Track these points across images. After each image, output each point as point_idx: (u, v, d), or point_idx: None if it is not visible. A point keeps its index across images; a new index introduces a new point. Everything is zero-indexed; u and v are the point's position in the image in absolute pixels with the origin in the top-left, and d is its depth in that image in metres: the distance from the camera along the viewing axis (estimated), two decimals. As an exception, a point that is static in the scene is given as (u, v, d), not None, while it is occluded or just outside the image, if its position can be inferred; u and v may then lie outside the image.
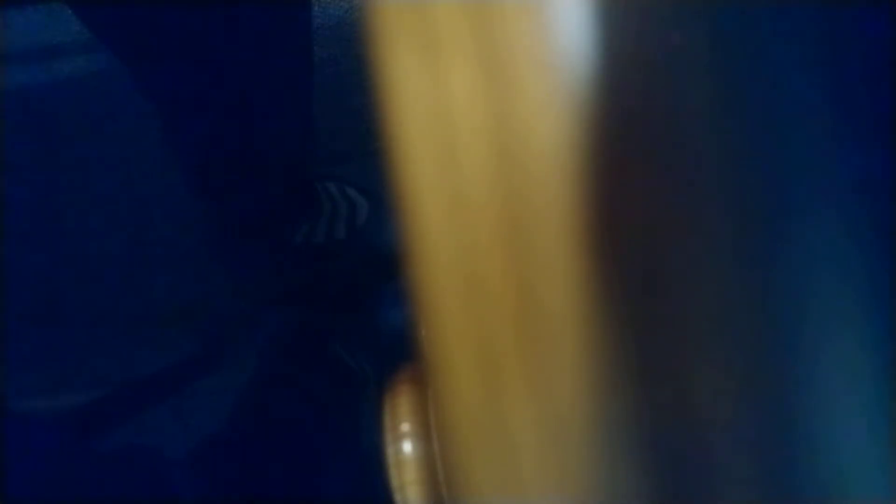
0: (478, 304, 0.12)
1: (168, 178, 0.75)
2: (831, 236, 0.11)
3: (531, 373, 0.12)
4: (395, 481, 0.17)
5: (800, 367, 0.11)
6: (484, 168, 0.11)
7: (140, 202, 0.80)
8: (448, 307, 0.12)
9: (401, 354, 0.18)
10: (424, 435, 0.17)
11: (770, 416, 0.11)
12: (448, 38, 0.11)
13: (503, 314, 0.12)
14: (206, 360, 0.75)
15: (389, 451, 0.17)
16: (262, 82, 0.53)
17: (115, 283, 0.79)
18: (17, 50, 0.80)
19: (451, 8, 0.11)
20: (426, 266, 0.12)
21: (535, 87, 0.11)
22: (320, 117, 0.64)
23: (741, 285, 0.11)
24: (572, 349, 0.11)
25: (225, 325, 0.77)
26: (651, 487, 0.11)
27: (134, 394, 0.72)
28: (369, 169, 0.73)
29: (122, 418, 0.67)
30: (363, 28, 0.13)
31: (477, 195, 0.12)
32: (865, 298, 0.11)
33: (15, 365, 0.69)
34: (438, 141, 0.12)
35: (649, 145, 0.11)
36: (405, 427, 0.17)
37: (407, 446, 0.17)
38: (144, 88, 0.54)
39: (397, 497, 0.17)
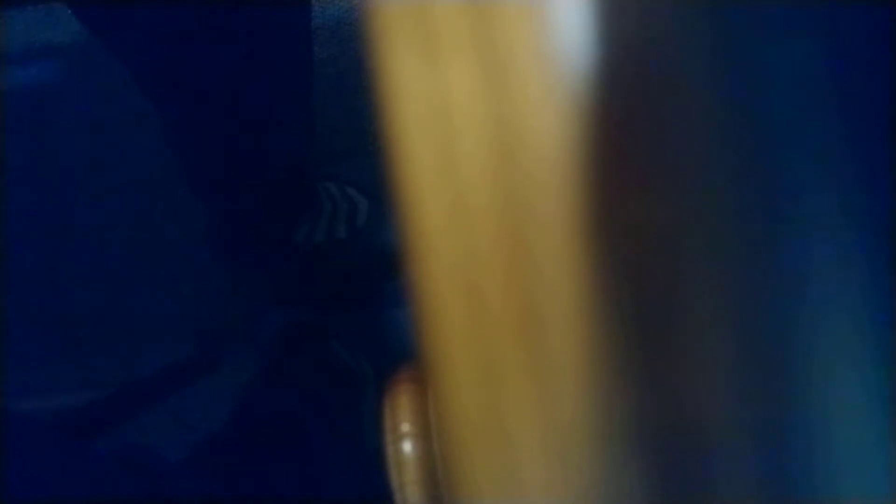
0: (478, 305, 0.12)
1: (168, 178, 0.75)
2: (832, 233, 0.11)
3: (531, 373, 0.12)
4: (395, 481, 0.17)
5: (800, 368, 0.11)
6: (484, 167, 0.11)
7: (140, 202, 0.80)
8: (448, 308, 0.12)
9: (401, 354, 0.18)
10: (424, 435, 0.17)
11: (769, 419, 0.11)
12: (447, 38, 0.11)
13: (504, 315, 0.12)
14: (206, 360, 0.75)
15: (389, 451, 0.17)
16: (261, 82, 0.53)
17: (115, 283, 0.79)
18: (17, 50, 0.80)
19: (451, 7, 0.11)
20: (426, 267, 0.12)
21: (534, 87, 0.11)
22: (320, 117, 0.64)
23: (744, 290, 0.11)
24: (573, 350, 0.11)
25: (225, 325, 0.77)
26: (650, 488, 0.11)
27: (133, 394, 0.71)
28: (369, 168, 0.73)
29: (121, 418, 0.67)
30: (363, 28, 0.13)
31: (477, 195, 0.12)
32: (866, 293, 0.11)
33: (15, 365, 0.69)
34: (438, 140, 0.12)
35: (649, 144, 0.11)
36: (405, 427, 0.17)
37: (407, 446, 0.17)
38: (144, 88, 0.54)
39: (397, 497, 0.17)
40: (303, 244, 0.73)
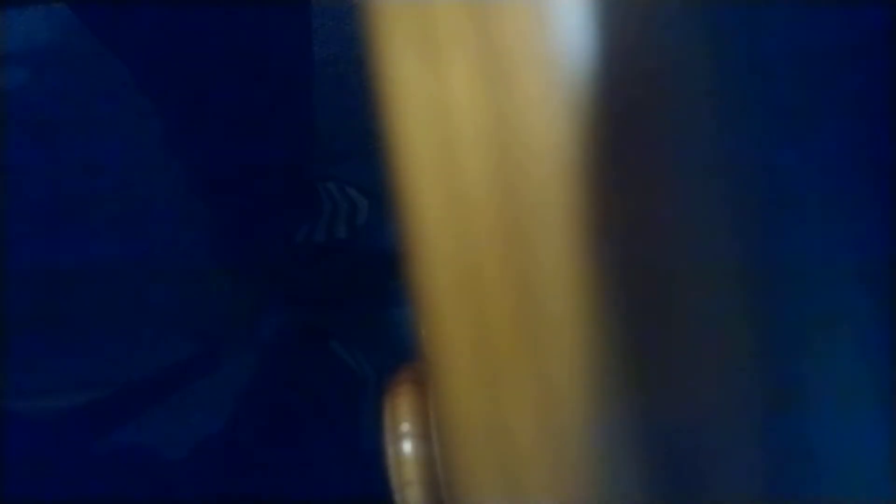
0: (477, 304, 0.12)
1: (168, 178, 0.75)
2: (832, 230, 0.11)
3: (531, 372, 0.12)
4: (395, 481, 0.17)
5: (801, 370, 0.11)
6: (483, 166, 0.11)
7: (140, 202, 0.80)
8: (448, 307, 0.12)
9: (401, 354, 0.18)
10: (424, 435, 0.17)
11: (770, 421, 0.11)
12: (448, 37, 0.11)
13: (503, 314, 0.12)
14: (206, 360, 0.75)
15: (389, 451, 0.17)
16: (262, 82, 0.53)
17: (115, 283, 0.79)
18: (17, 50, 0.80)
19: (451, 7, 0.11)
20: (426, 265, 0.12)
21: (534, 86, 0.11)
22: (320, 117, 0.64)
23: (744, 287, 0.11)
24: (571, 348, 0.11)
25: (225, 325, 0.77)
26: (650, 487, 0.11)
27: (134, 394, 0.71)
28: (369, 168, 0.73)
29: (122, 418, 0.67)
30: (363, 28, 0.13)
31: (476, 193, 0.12)
32: (865, 293, 0.11)
33: (15, 365, 0.69)
34: (438, 139, 0.12)
35: (647, 142, 0.11)
36: (405, 427, 0.17)
37: (407, 446, 0.17)
38: (144, 88, 0.55)
39: (397, 497, 0.17)
40: (303, 244, 0.73)
